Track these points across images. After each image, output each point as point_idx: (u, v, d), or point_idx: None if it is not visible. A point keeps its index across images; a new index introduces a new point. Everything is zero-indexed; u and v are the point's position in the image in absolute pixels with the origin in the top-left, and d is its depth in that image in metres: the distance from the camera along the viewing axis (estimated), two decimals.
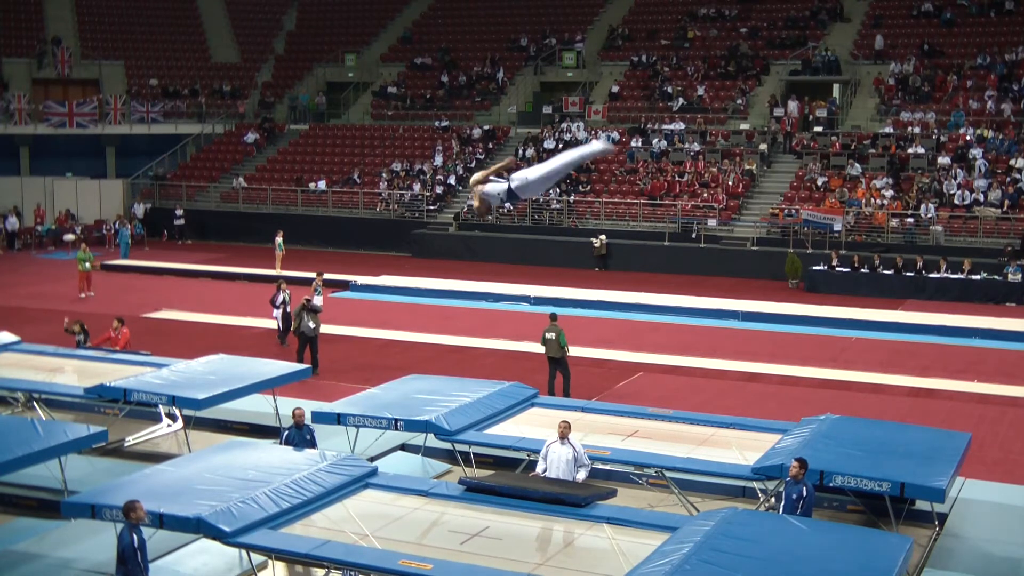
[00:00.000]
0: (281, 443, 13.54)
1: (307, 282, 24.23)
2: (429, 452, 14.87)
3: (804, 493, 11.09)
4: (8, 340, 18.61)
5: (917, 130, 34.89)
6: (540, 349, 18.71)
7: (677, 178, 35.44)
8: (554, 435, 12.47)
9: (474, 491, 11.57)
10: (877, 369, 21.06)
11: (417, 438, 15.08)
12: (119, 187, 42.75)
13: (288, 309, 22.34)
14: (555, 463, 12.22)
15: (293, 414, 13.68)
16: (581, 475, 12.25)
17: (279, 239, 32.18)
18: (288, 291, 22.72)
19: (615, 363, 21.42)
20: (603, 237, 33.54)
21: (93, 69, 46.11)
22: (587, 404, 15.91)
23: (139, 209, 40.70)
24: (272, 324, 23.23)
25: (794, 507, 11.03)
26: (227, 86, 47.83)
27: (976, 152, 33.13)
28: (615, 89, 41.57)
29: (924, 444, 12.93)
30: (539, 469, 12.40)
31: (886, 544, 10.04)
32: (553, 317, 18.77)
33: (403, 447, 15.47)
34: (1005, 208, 31.06)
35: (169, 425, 16.10)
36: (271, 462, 12.08)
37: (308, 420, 13.95)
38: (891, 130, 35.37)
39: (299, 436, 13.49)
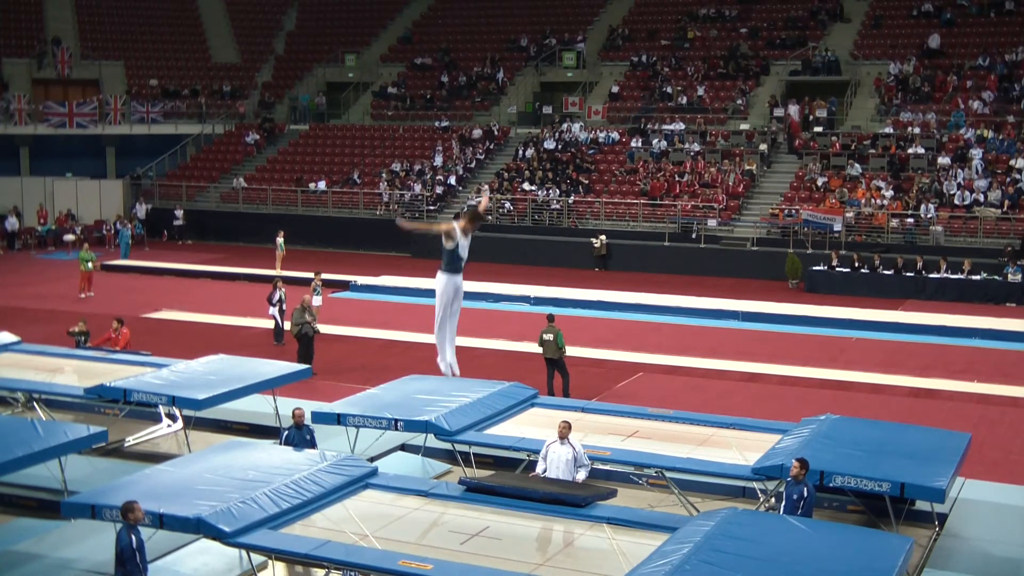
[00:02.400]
0: (281, 443, 13.54)
1: (306, 282, 24.23)
2: (429, 452, 14.87)
3: (805, 493, 11.09)
4: (8, 340, 18.62)
5: (917, 130, 34.88)
6: (538, 349, 18.70)
7: (677, 178, 35.43)
8: (554, 435, 12.47)
9: (474, 491, 11.57)
10: (877, 369, 21.05)
11: (417, 438, 15.09)
12: (119, 187, 42.77)
13: (284, 307, 22.29)
14: (555, 463, 12.22)
15: (293, 414, 13.67)
16: (581, 475, 12.24)
17: (280, 239, 32.14)
18: (284, 289, 22.67)
19: (615, 363, 21.42)
20: (603, 237, 33.53)
21: (93, 69, 46.11)
22: (587, 404, 15.91)
23: (141, 210, 40.68)
24: (270, 324, 23.18)
25: (795, 507, 11.04)
26: (227, 86, 47.83)
27: (976, 152, 33.13)
28: (615, 89, 41.57)
29: (924, 444, 12.93)
30: (539, 469, 12.39)
31: (886, 544, 10.05)
32: (550, 318, 18.76)
33: (403, 447, 15.47)
34: (1005, 208, 31.05)
35: (169, 425, 16.10)
36: (271, 462, 12.08)
37: (308, 420, 13.95)
38: (891, 130, 35.36)
39: (299, 436, 13.49)
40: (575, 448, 12.27)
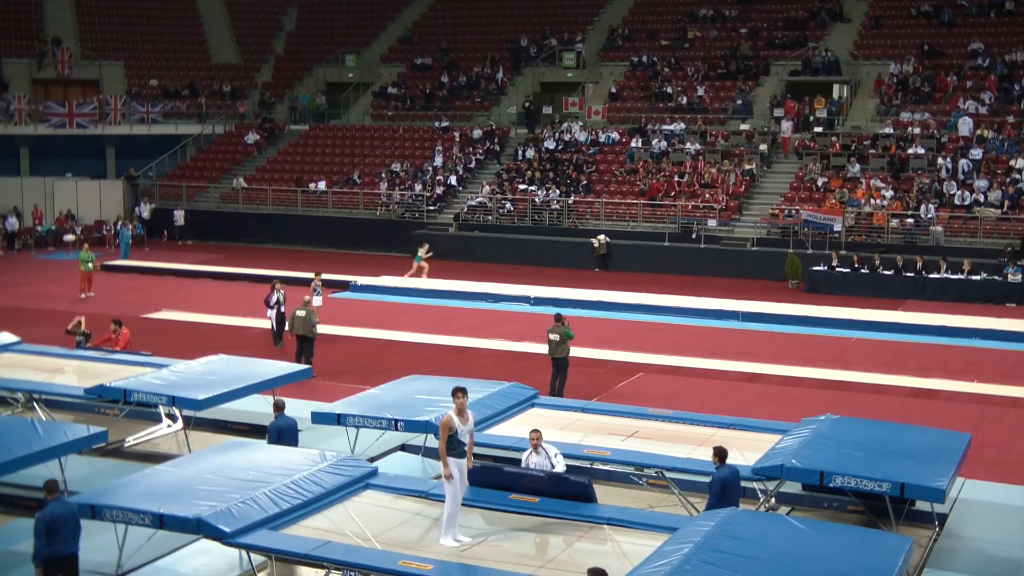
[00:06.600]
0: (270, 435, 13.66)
1: (306, 282, 24.23)
2: (429, 452, 14.86)
3: (727, 477, 11.50)
4: (8, 340, 18.62)
5: (917, 130, 34.88)
6: (538, 349, 18.69)
7: (677, 179, 35.42)
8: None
9: (479, 484, 11.58)
10: (877, 369, 21.05)
11: (417, 438, 15.10)
12: (119, 187, 42.75)
13: (283, 309, 22.23)
14: None
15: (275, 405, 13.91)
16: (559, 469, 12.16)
17: (422, 251, 30.29)
18: (283, 291, 22.55)
19: (615, 363, 21.41)
20: (603, 237, 33.51)
21: (93, 69, 46.11)
22: (587, 404, 15.92)
23: (145, 209, 40.65)
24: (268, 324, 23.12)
25: (719, 496, 11.41)
26: (227, 86, 47.82)
27: (976, 152, 33.14)
28: (615, 89, 41.58)
29: (924, 444, 12.93)
30: None
31: (886, 544, 10.05)
32: (558, 318, 18.66)
33: (403, 447, 15.49)
34: (1005, 208, 31.05)
35: (169, 426, 16.11)
36: (271, 462, 12.10)
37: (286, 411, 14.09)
38: (891, 130, 35.36)
39: (285, 420, 13.70)
40: (548, 452, 12.21)
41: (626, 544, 10.55)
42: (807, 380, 20.41)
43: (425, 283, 29.68)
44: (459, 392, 11.13)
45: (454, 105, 43.78)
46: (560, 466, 12.16)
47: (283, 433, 13.53)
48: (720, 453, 11.62)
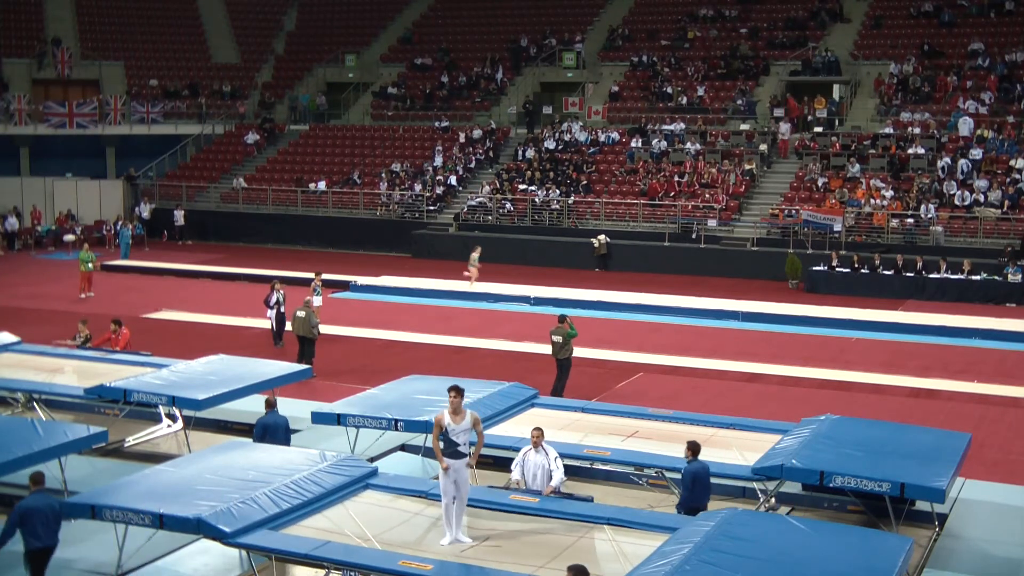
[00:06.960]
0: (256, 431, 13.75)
1: (306, 282, 24.23)
2: (429, 452, 14.84)
3: (698, 471, 11.72)
4: (8, 340, 18.62)
5: (917, 130, 34.88)
6: (539, 349, 18.67)
7: (677, 179, 35.42)
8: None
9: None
10: (877, 369, 21.05)
11: (417, 438, 15.11)
12: (119, 187, 42.76)
13: (283, 309, 22.21)
14: (531, 471, 12.05)
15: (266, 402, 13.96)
16: (556, 479, 12.04)
17: (475, 255, 29.59)
18: (282, 291, 22.51)
19: (615, 363, 21.41)
20: (603, 237, 33.51)
21: (93, 69, 46.11)
22: (587, 404, 15.92)
23: (144, 209, 40.63)
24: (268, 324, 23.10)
25: (690, 487, 11.70)
26: (227, 86, 47.82)
27: (976, 152, 33.14)
28: (615, 89, 41.58)
29: (924, 444, 12.93)
30: (515, 476, 12.17)
31: (886, 544, 10.06)
32: (561, 319, 18.63)
33: (403, 447, 15.49)
34: (1005, 208, 31.05)
35: (169, 426, 16.11)
36: (271, 462, 12.09)
37: (279, 409, 14.14)
38: (891, 130, 35.36)
39: (273, 417, 13.76)
40: (548, 454, 12.14)
41: (626, 544, 10.55)
42: (807, 380, 20.41)
43: (426, 283, 29.66)
44: (451, 391, 11.12)
45: (454, 105, 43.78)
46: (559, 471, 12.09)
47: (268, 430, 13.54)
48: (693, 447, 11.81)
